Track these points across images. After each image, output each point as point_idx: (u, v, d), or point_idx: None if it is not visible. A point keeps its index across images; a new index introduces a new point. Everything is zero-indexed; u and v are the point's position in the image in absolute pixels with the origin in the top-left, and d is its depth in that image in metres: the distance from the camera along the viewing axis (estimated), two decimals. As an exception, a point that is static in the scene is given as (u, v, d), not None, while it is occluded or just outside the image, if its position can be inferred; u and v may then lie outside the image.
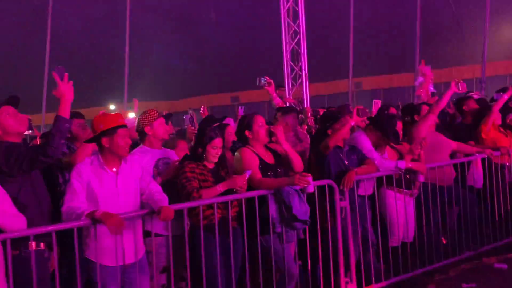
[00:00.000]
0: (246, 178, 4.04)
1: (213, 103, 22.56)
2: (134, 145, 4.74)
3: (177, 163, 4.21)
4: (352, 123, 4.81)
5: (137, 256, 3.69)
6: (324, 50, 20.56)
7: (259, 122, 4.46)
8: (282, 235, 4.29)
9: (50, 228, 3.27)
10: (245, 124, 4.48)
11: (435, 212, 5.52)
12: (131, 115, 9.12)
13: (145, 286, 3.73)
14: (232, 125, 5.69)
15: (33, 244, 3.29)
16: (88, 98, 19.01)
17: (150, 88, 20.74)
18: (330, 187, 4.66)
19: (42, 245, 3.35)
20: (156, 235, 3.94)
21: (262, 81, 5.41)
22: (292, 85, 11.30)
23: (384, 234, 5.23)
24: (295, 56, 11.29)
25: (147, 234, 3.90)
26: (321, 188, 4.62)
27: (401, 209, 5.24)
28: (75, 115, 4.59)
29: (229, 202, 4.06)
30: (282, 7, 11.05)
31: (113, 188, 3.60)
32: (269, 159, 4.47)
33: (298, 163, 4.48)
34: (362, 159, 5.00)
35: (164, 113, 4.69)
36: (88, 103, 18.55)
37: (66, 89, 3.36)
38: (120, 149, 3.62)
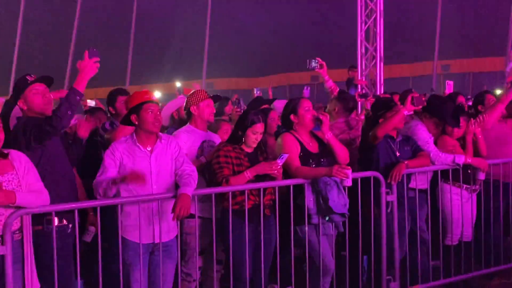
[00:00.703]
0: (279, 164, 3.85)
1: (293, 81, 22.29)
2: (182, 124, 4.74)
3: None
4: (405, 112, 4.47)
5: (165, 238, 3.64)
6: (409, 29, 19.62)
7: (306, 106, 4.23)
8: (318, 226, 4.10)
9: (72, 205, 3.29)
10: (290, 108, 4.27)
11: (497, 211, 5.07)
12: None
13: (169, 272, 3.69)
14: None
15: (56, 220, 3.33)
16: (167, 73, 19.43)
17: (230, 65, 20.82)
18: (376, 179, 4.39)
19: (64, 221, 3.38)
20: (194, 216, 3.89)
21: (313, 63, 5.12)
22: (366, 66, 10.81)
23: (440, 231, 4.90)
24: (371, 35, 10.78)
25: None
26: (367, 180, 4.36)
27: (457, 205, 4.87)
28: (119, 91, 4.59)
29: (261, 189, 3.91)
30: (358, -16, 10.55)
31: (146, 166, 3.58)
32: (313, 147, 4.24)
33: (342, 154, 4.24)
34: (416, 151, 4.66)
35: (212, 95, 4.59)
36: (168, 79, 18.99)
37: (89, 66, 3.33)
38: (148, 125, 3.57)
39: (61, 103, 3.31)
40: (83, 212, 3.78)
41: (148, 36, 20.44)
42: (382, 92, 10.07)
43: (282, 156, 3.89)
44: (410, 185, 4.69)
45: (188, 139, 4.21)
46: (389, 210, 4.46)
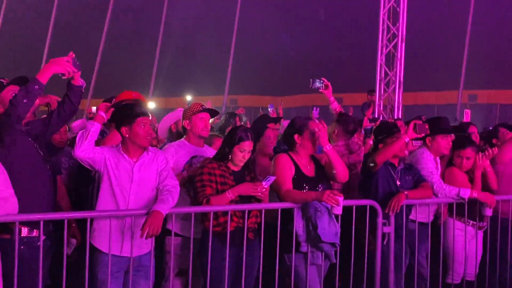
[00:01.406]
0: (264, 186, 3.64)
1: (316, 102, 22.10)
2: (179, 137, 4.59)
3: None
4: (406, 140, 4.23)
5: (136, 252, 3.47)
6: (436, 56, 19.28)
7: (313, 129, 4.00)
8: (307, 255, 3.86)
9: (37, 216, 3.13)
10: (296, 127, 4.05)
11: (505, 250, 4.76)
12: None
13: None
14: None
15: (25, 230, 3.19)
16: (191, 88, 19.44)
17: (254, 82, 20.76)
18: (373, 208, 4.14)
19: (35, 232, 3.22)
20: (176, 235, 3.73)
21: (317, 83, 4.88)
22: (385, 91, 10.59)
23: (443, 268, 4.61)
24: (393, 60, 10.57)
25: (167, 232, 3.70)
26: (363, 209, 4.12)
27: (461, 241, 4.58)
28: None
29: (246, 211, 3.70)
30: (382, 7, 10.37)
31: (128, 172, 3.47)
32: (310, 171, 4.02)
33: (341, 170, 3.97)
34: (418, 181, 4.41)
35: (205, 106, 4.42)
36: (192, 93, 19.00)
37: (61, 62, 3.20)
38: (140, 139, 3.47)
39: (18, 91, 3.16)
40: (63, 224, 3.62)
41: (174, 49, 20.54)
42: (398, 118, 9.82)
43: (268, 178, 3.68)
44: (410, 217, 4.43)
45: (175, 153, 4.06)
46: (385, 242, 4.20)
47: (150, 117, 3.65)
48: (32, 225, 3.20)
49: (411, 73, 11.32)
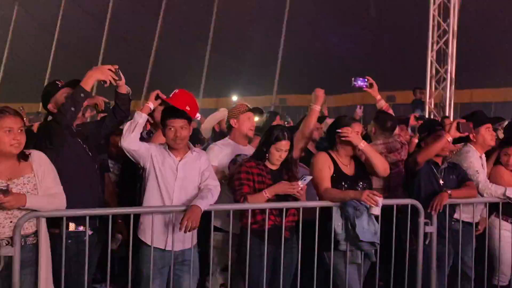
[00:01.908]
0: (300, 185, 3.66)
1: (368, 101, 21.76)
2: (223, 137, 4.68)
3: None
4: (449, 139, 4.15)
5: (179, 246, 3.58)
6: (494, 52, 18.59)
7: (356, 128, 3.98)
8: (346, 254, 3.86)
9: (84, 211, 3.27)
10: (340, 125, 4.01)
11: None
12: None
13: (189, 286, 3.61)
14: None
15: (73, 225, 3.34)
16: (239, 87, 19.60)
17: (305, 80, 20.68)
18: (415, 207, 4.08)
19: (81, 227, 3.36)
20: (216, 229, 3.82)
21: (359, 82, 4.81)
22: (435, 88, 10.33)
23: (489, 269, 4.49)
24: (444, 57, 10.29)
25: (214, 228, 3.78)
26: (404, 209, 4.07)
27: (508, 242, 4.45)
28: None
29: (284, 209, 3.74)
30: (432, 3, 10.13)
31: (172, 170, 3.59)
32: (349, 169, 4.00)
33: (380, 165, 3.94)
34: (463, 181, 4.32)
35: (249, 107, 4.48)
36: (239, 93, 19.17)
37: (103, 71, 3.34)
38: (169, 141, 3.59)
39: (66, 100, 3.32)
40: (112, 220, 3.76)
41: (224, 50, 20.74)
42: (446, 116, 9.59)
43: (304, 178, 3.69)
44: (454, 216, 4.34)
45: (219, 152, 4.15)
46: (427, 243, 4.13)
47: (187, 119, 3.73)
48: (79, 220, 3.35)
49: (466, 69, 10.95)
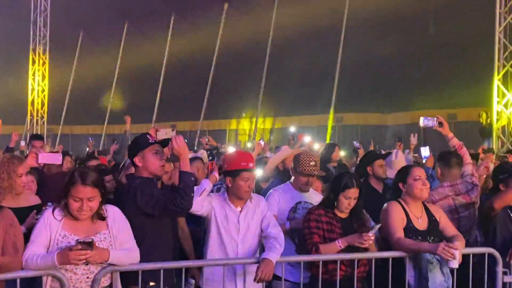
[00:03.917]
0: (370, 236, 3.57)
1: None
2: (286, 175, 4.66)
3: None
4: (528, 182, 3.95)
5: None
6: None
7: (416, 175, 3.84)
8: (420, 305, 3.72)
9: (157, 265, 3.28)
10: (400, 175, 3.95)
11: None
12: (307, 138, 9.04)
13: None
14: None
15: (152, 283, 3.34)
16: (292, 105, 19.58)
17: (360, 99, 20.43)
18: (492, 256, 3.90)
19: (151, 282, 3.35)
20: (276, 277, 3.74)
21: (429, 122, 4.63)
22: (503, 113, 9.93)
23: None
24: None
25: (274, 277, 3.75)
26: (480, 257, 3.90)
27: None
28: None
29: (356, 261, 3.66)
30: (497, 24, 9.80)
31: (235, 225, 3.63)
32: (422, 224, 3.81)
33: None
34: (543, 227, 4.09)
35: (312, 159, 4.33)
36: (292, 112, 19.17)
37: (183, 147, 3.37)
38: (240, 192, 3.62)
39: (183, 189, 3.29)
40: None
41: (281, 68, 20.81)
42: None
43: (374, 227, 3.61)
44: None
45: (281, 198, 4.13)
46: (506, 294, 3.93)
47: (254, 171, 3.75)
48: (148, 275, 3.32)
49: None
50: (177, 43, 21.24)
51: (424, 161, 6.71)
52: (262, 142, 7.51)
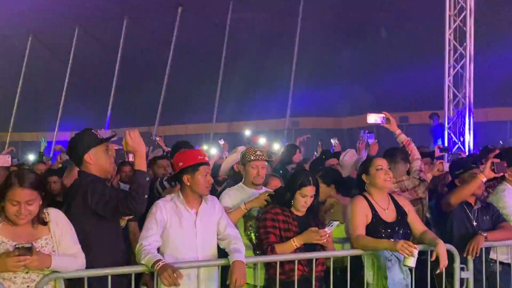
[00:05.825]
0: (327, 231, 3.48)
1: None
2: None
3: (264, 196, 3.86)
4: (483, 179, 3.96)
5: None
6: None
7: (377, 164, 3.79)
8: (378, 304, 3.66)
9: (106, 271, 3.10)
10: (362, 167, 3.90)
11: None
12: (262, 140, 8.99)
13: None
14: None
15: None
16: (253, 111, 19.52)
17: (316, 103, 20.57)
18: (449, 252, 3.88)
19: None
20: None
21: (376, 118, 4.61)
22: (453, 113, 10.12)
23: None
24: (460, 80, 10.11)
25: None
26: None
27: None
28: (184, 144, 4.69)
29: (314, 259, 3.56)
30: (447, 27, 10.00)
31: (191, 229, 3.42)
32: (389, 215, 3.74)
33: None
34: (497, 221, 4.12)
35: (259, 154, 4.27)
36: (255, 117, 19.13)
37: (139, 144, 3.17)
38: (202, 188, 3.42)
39: (136, 189, 3.09)
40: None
41: (237, 74, 20.73)
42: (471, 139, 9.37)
43: (331, 224, 3.53)
44: (490, 256, 4.13)
45: (231, 200, 4.05)
46: (464, 288, 3.93)
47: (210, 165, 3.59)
48: (98, 282, 3.13)
49: (481, 90, 10.74)
50: (130, 48, 20.85)
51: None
52: (221, 142, 8.35)
